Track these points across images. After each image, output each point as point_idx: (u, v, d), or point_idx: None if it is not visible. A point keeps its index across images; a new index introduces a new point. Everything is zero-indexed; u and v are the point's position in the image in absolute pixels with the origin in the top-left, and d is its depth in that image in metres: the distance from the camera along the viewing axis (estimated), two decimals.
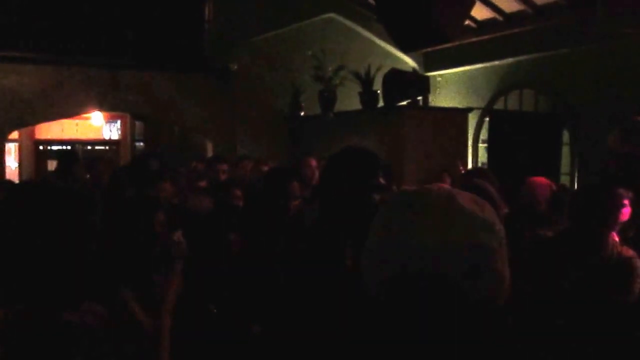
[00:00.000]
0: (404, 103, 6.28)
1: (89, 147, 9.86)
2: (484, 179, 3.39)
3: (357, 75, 6.61)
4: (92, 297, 1.31)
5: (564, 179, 7.11)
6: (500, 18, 7.85)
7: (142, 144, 10.75)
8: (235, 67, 7.86)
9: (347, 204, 1.67)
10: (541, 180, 3.96)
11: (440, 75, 9.06)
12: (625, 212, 2.61)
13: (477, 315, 0.87)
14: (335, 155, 1.90)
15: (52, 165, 9.22)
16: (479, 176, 3.54)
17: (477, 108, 7.89)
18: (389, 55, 8.61)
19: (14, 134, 8.29)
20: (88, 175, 4.75)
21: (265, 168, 5.10)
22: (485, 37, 8.04)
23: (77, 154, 5.97)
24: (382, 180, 1.71)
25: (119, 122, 10.26)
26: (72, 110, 7.51)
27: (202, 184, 5.32)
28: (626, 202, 2.59)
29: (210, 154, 7.89)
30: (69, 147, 9.22)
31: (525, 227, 3.16)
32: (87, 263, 1.28)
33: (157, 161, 5.02)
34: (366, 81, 6.56)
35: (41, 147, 9.74)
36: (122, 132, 10.34)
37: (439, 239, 0.85)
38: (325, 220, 1.75)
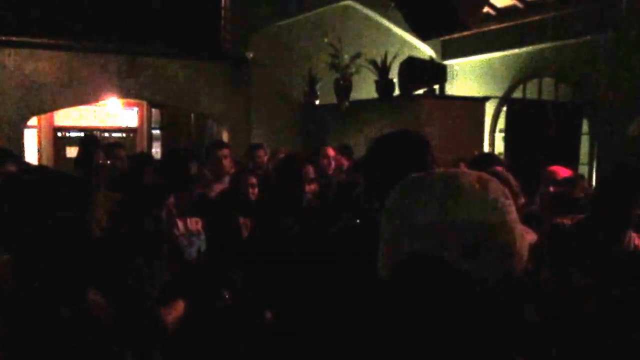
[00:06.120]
0: (421, 92, 6.22)
1: (107, 134, 9.94)
2: (493, 164, 3.35)
3: (373, 63, 6.56)
4: (97, 283, 1.32)
5: (582, 169, 7.00)
6: (520, 5, 7.72)
7: (158, 131, 10.82)
8: (251, 55, 7.85)
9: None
10: (560, 169, 3.91)
11: (458, 64, 8.96)
12: None
13: (483, 295, 0.86)
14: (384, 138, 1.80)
15: (70, 151, 9.32)
16: (488, 161, 3.50)
17: (495, 97, 7.79)
18: (406, 43, 8.52)
19: (33, 121, 8.39)
20: (108, 162, 4.79)
21: (282, 156, 5.10)
22: (505, 24, 7.92)
23: (98, 140, 6.01)
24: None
25: (136, 109, 10.32)
26: (90, 96, 7.57)
27: None
28: None
29: (225, 141, 7.91)
30: (88, 134, 9.31)
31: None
32: (90, 250, 1.29)
33: (197, 164, 4.56)
34: (382, 69, 6.51)
35: (60, 134, 9.86)
36: (139, 119, 10.42)
37: (437, 220, 0.86)
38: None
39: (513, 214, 0.89)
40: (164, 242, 2.42)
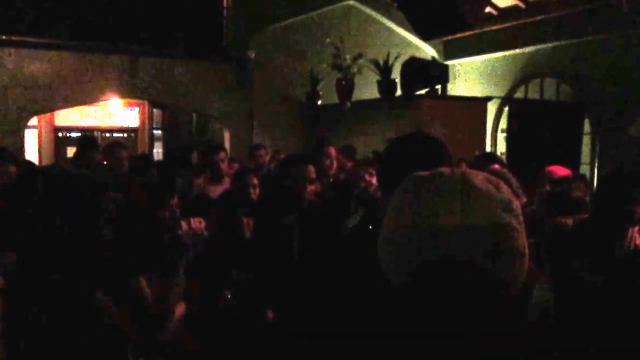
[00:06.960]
0: (423, 92, 6.21)
1: (108, 134, 9.94)
2: (493, 163, 3.35)
3: (375, 63, 6.55)
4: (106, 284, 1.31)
5: (584, 169, 7.00)
6: (522, 5, 7.72)
7: (160, 131, 10.81)
8: (253, 55, 7.84)
9: None
10: (558, 168, 3.92)
11: (460, 64, 8.94)
12: None
13: (500, 297, 0.85)
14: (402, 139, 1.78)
15: (71, 151, 9.31)
16: (488, 160, 3.49)
17: (497, 97, 7.78)
18: (408, 43, 8.51)
19: (34, 121, 8.37)
20: (105, 162, 4.76)
21: (282, 156, 5.08)
22: (507, 24, 7.91)
23: (96, 140, 6.00)
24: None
25: (137, 109, 10.32)
26: (91, 96, 7.56)
27: None
28: None
29: (227, 142, 7.90)
30: (85, 134, 9.30)
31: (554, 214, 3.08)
32: (100, 249, 1.28)
33: (197, 154, 4.95)
34: (385, 70, 6.50)
35: (60, 134, 9.85)
36: (140, 119, 10.41)
37: (457, 223, 0.83)
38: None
39: (521, 215, 0.88)
40: (181, 259, 2.40)
